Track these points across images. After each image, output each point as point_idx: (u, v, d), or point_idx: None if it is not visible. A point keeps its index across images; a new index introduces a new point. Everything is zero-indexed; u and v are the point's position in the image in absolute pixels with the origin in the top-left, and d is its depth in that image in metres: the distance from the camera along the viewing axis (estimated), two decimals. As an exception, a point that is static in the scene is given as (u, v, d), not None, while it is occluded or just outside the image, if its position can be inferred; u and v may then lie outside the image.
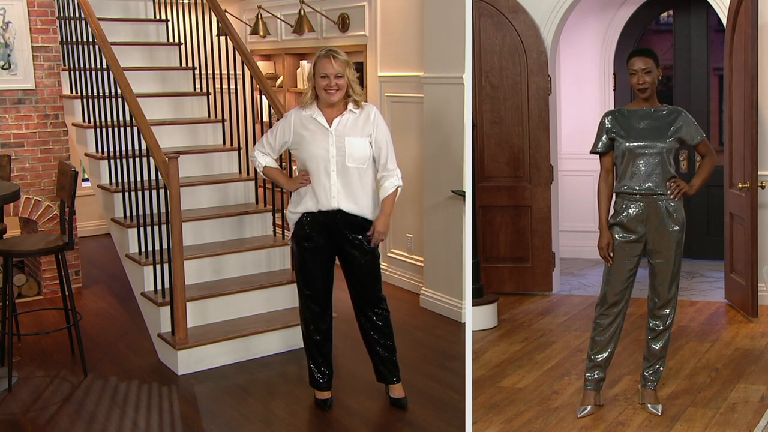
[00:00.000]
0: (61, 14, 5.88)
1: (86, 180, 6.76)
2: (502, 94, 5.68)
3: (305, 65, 7.23)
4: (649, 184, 3.57)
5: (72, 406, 4.12)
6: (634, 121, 3.62)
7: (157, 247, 4.79)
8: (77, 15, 5.57)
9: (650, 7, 6.64)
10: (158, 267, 4.74)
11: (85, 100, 5.64)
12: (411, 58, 5.85)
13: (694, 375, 4.22)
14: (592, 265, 6.48)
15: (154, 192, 4.85)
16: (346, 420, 3.93)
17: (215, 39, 6.06)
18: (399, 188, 3.87)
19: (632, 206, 3.60)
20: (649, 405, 3.78)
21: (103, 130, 5.33)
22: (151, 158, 4.76)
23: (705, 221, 6.67)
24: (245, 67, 5.57)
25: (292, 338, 4.78)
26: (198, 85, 6.45)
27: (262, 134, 4.07)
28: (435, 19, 5.39)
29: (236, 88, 5.75)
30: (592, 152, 3.72)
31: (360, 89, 3.82)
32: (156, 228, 4.80)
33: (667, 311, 3.70)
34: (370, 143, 3.79)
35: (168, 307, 4.63)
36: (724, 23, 5.32)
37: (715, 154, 3.74)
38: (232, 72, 6.01)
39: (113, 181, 5.34)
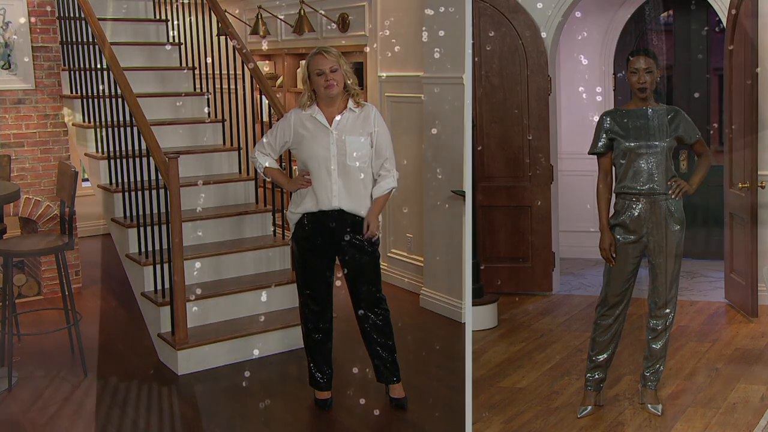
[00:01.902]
0: (61, 14, 5.88)
1: (86, 180, 6.76)
2: (502, 94, 5.67)
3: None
4: (651, 184, 3.56)
5: (72, 406, 4.12)
6: (632, 121, 3.62)
7: (157, 247, 4.79)
8: (77, 15, 5.57)
9: (650, 7, 6.64)
10: (158, 267, 4.74)
11: (85, 100, 5.64)
12: (411, 58, 5.84)
13: (694, 375, 4.22)
14: (592, 265, 6.47)
15: (154, 192, 4.85)
16: (346, 420, 3.93)
17: (215, 39, 6.05)
18: (393, 190, 3.89)
19: (634, 206, 3.60)
20: (649, 405, 3.78)
21: (103, 130, 5.33)
22: (151, 158, 4.76)
23: (705, 221, 6.66)
24: (245, 67, 5.57)
25: (292, 338, 4.78)
26: (198, 85, 6.45)
27: (263, 134, 4.07)
28: (435, 19, 5.38)
29: (236, 88, 5.75)
30: (590, 153, 3.71)
31: (356, 80, 3.84)
32: (156, 228, 4.80)
33: (668, 311, 3.70)
34: (371, 142, 3.79)
35: (168, 307, 4.63)
36: (724, 23, 5.31)
37: (711, 152, 3.75)
38: (232, 72, 6.01)
39: (113, 181, 5.34)
